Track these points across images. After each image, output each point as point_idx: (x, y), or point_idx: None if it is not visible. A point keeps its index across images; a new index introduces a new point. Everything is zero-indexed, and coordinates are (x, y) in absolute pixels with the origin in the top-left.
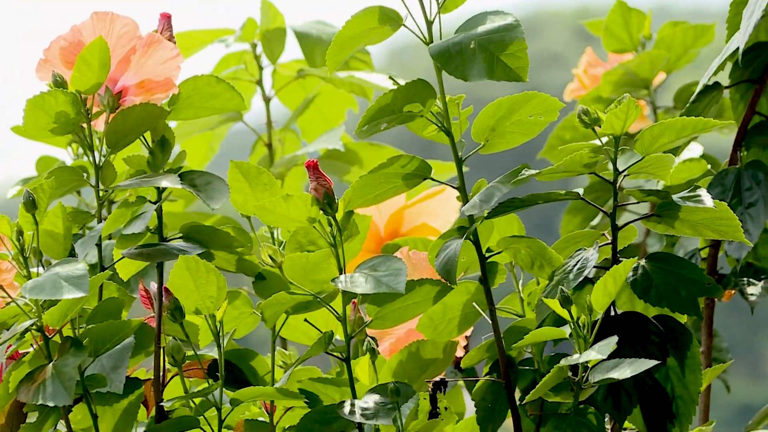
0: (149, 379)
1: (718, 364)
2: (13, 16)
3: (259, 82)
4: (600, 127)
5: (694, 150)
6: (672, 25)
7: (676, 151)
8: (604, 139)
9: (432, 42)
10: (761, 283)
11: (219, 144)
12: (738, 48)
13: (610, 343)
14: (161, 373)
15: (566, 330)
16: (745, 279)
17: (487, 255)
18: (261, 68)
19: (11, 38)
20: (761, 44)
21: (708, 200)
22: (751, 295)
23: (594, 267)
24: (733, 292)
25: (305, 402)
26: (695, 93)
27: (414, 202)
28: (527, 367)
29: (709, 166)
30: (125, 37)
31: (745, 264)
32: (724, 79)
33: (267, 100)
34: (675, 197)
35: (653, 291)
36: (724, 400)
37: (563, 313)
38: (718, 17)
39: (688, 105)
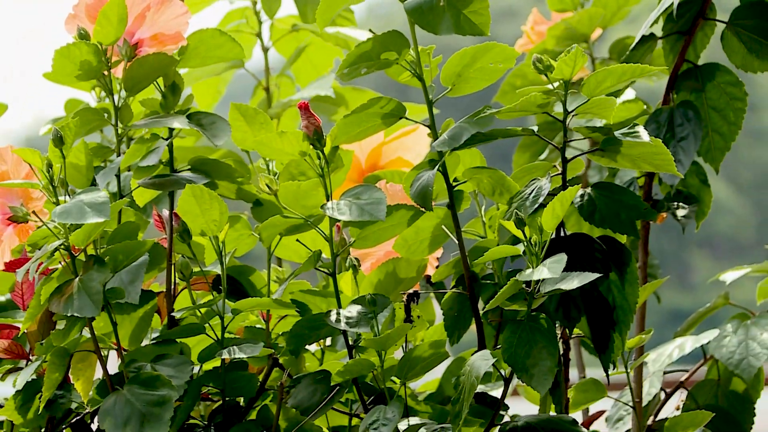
0: (162, 291)
1: (652, 279)
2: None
3: (259, 35)
4: (551, 72)
5: (628, 95)
6: None
7: (617, 94)
8: (555, 84)
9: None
10: (690, 207)
11: (225, 87)
12: (672, 2)
13: (561, 260)
14: (172, 287)
15: (521, 248)
16: (675, 204)
17: (454, 184)
18: (260, 22)
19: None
20: (690, 0)
21: (645, 136)
22: (682, 217)
23: (548, 194)
24: (665, 215)
25: (297, 311)
26: (633, 43)
27: (391, 139)
28: (488, 281)
29: (644, 107)
30: None
31: (676, 191)
32: (657, 31)
33: (265, 50)
34: (616, 133)
35: (597, 215)
36: (655, 308)
37: (518, 233)
38: None
39: (627, 53)
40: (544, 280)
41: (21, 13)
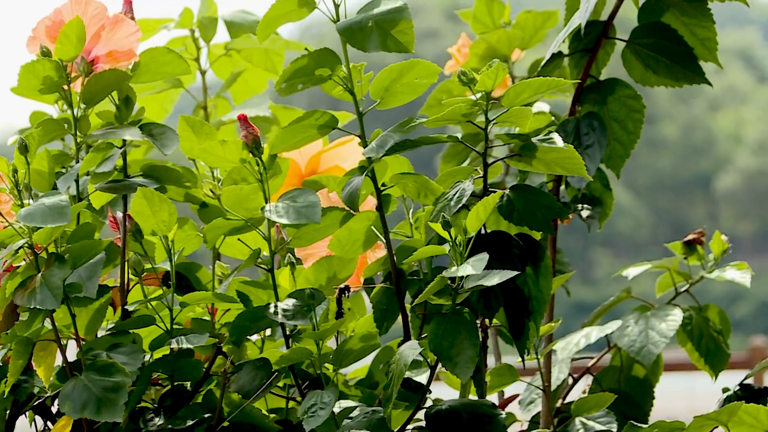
0: (116, 286)
1: (561, 274)
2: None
3: (197, 59)
4: (475, 85)
5: (541, 107)
6: (526, 12)
7: (530, 105)
8: (478, 96)
9: (339, 20)
10: (593, 209)
11: (171, 106)
12: (579, 24)
13: (483, 259)
14: (125, 282)
15: (446, 247)
16: (581, 206)
17: (382, 188)
18: (198, 48)
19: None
20: (594, 22)
21: (560, 142)
22: (587, 218)
23: (470, 196)
24: (571, 216)
25: (240, 304)
26: (545, 60)
27: (329, 148)
28: (415, 278)
29: (552, 118)
30: (97, 17)
31: (581, 194)
32: (565, 49)
33: (203, 73)
34: (533, 140)
35: (516, 214)
36: (561, 301)
37: (444, 233)
38: (560, 3)
39: (539, 69)
40: (467, 276)
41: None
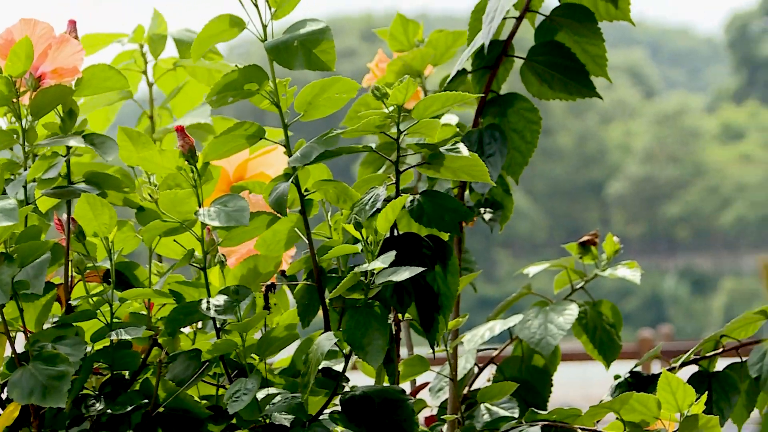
0: (61, 283)
1: (468, 272)
2: None
3: (144, 72)
4: (387, 99)
5: (449, 119)
6: (438, 32)
7: (439, 117)
8: (390, 109)
9: (266, 40)
10: (495, 213)
11: (114, 115)
12: (482, 43)
13: (390, 255)
14: (69, 279)
15: (359, 247)
16: (483, 209)
17: (305, 194)
18: (146, 62)
19: None
20: (495, 41)
21: (465, 151)
22: (489, 221)
23: (384, 201)
24: (475, 219)
25: (174, 300)
26: (450, 76)
27: (255, 156)
28: (333, 275)
29: (458, 129)
30: (44, 36)
31: (484, 199)
32: (468, 66)
33: (150, 85)
34: (441, 149)
35: (425, 217)
36: (469, 297)
37: (356, 234)
38: (463, 21)
39: (446, 84)
40: (379, 272)
41: None
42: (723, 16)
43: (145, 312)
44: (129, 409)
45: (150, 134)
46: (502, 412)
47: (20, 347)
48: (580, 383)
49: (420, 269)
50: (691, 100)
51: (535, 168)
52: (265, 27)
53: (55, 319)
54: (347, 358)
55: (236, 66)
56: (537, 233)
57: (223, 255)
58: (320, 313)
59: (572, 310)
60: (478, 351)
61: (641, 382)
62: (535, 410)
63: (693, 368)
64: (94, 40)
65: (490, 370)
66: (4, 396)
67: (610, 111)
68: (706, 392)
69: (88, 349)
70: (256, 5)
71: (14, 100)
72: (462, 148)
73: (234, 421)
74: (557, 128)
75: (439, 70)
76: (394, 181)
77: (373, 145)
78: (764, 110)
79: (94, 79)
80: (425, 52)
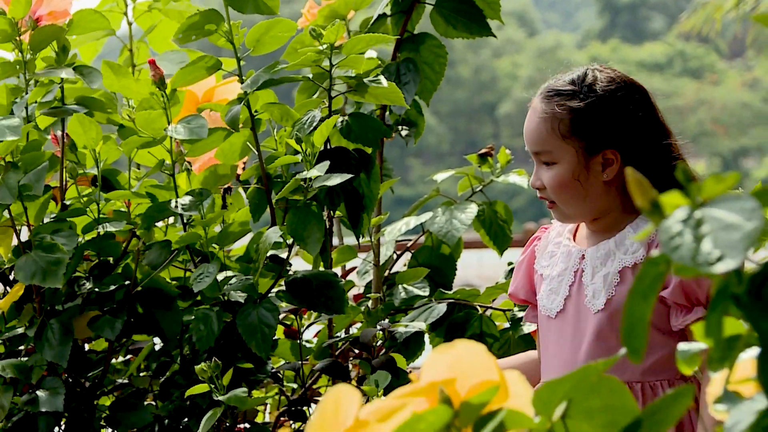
0: (57, 186)
1: (388, 178)
2: None
3: (125, 13)
4: (322, 39)
5: (371, 54)
6: None
7: (364, 54)
8: (324, 47)
9: None
10: (410, 129)
11: (101, 48)
12: None
13: (325, 165)
14: (64, 183)
15: (300, 157)
16: (401, 127)
17: (255, 114)
18: (126, 5)
19: None
20: None
21: (384, 81)
22: (405, 136)
23: (319, 120)
24: (394, 134)
25: (149, 200)
26: (373, 19)
27: (219, 84)
28: (279, 180)
29: (379, 62)
30: None
31: (402, 118)
32: (388, 11)
33: (129, 24)
34: (365, 80)
35: (352, 134)
36: (387, 198)
37: (297, 147)
38: None
39: (369, 26)
40: (315, 178)
41: None
42: None
43: (125, 210)
44: (113, 288)
45: (129, 65)
46: (417, 291)
47: (24, 237)
48: (478, 267)
49: (348, 176)
50: (565, 38)
51: (441, 93)
52: None
53: (53, 216)
54: (290, 247)
55: (198, 9)
56: (442, 145)
57: (188, 163)
58: (268, 211)
59: (472, 209)
60: (397, 241)
61: None
62: (443, 290)
63: None
64: None
65: (406, 257)
66: (11, 277)
67: (501, 47)
68: None
69: (80, 239)
70: None
71: (17, 38)
72: (382, 79)
73: (198, 297)
74: (459, 61)
75: (359, 13)
76: (327, 105)
77: (310, 76)
78: (623, 46)
79: (83, 21)
80: None
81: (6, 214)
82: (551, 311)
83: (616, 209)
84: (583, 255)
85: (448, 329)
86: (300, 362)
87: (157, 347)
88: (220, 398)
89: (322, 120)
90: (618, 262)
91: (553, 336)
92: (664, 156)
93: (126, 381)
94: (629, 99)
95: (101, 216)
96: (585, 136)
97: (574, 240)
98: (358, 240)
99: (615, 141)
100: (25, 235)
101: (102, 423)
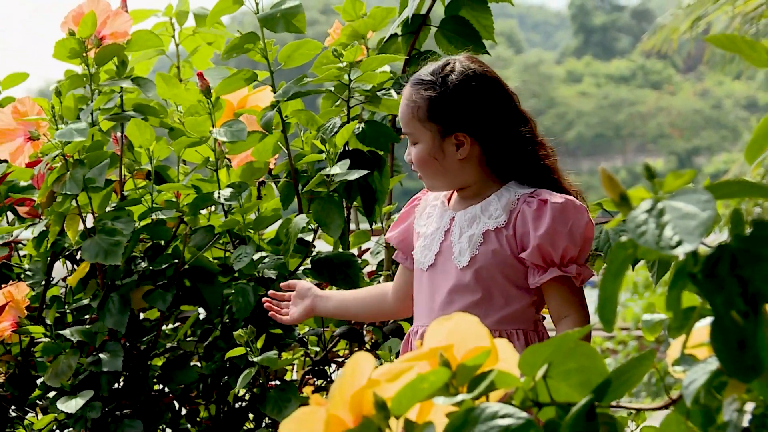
0: (116, 180)
1: (397, 174)
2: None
3: (173, 36)
4: (343, 58)
5: (384, 69)
6: (377, 7)
7: (377, 70)
8: (344, 64)
9: (258, 12)
10: None
11: (153, 65)
12: (407, 15)
13: (346, 163)
14: (122, 177)
15: (323, 156)
16: None
17: (285, 119)
18: (174, 29)
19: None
20: (417, 15)
21: (394, 94)
22: None
23: (339, 126)
24: (402, 136)
25: (195, 191)
26: (385, 40)
27: (253, 93)
28: (305, 174)
29: (391, 75)
30: (104, 10)
31: None
32: (399, 32)
33: (177, 45)
34: (378, 93)
35: (367, 139)
36: (397, 189)
37: (322, 147)
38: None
39: (381, 46)
40: (336, 174)
41: None
42: None
43: (175, 200)
44: (164, 266)
45: (176, 78)
46: None
47: (90, 224)
48: None
49: (364, 172)
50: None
51: None
52: (257, 3)
53: (113, 205)
54: (315, 232)
55: (239, 32)
56: None
57: (229, 160)
58: (296, 201)
59: None
60: None
61: None
62: None
63: None
64: (139, 13)
65: None
66: (78, 257)
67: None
68: None
69: (136, 225)
70: None
71: (84, 54)
72: (393, 92)
73: (236, 274)
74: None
75: (377, 34)
76: (346, 113)
77: (332, 88)
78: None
79: (139, 40)
80: (368, 21)
81: (74, 203)
82: (423, 265)
83: (480, 180)
84: (453, 217)
85: None
86: (322, 329)
87: (201, 316)
88: (255, 359)
89: (342, 125)
90: (482, 225)
91: (424, 287)
92: (517, 140)
93: (175, 345)
94: (480, 89)
95: (154, 205)
96: (439, 121)
97: (449, 204)
98: (371, 226)
99: (465, 125)
100: (90, 221)
101: (154, 380)
